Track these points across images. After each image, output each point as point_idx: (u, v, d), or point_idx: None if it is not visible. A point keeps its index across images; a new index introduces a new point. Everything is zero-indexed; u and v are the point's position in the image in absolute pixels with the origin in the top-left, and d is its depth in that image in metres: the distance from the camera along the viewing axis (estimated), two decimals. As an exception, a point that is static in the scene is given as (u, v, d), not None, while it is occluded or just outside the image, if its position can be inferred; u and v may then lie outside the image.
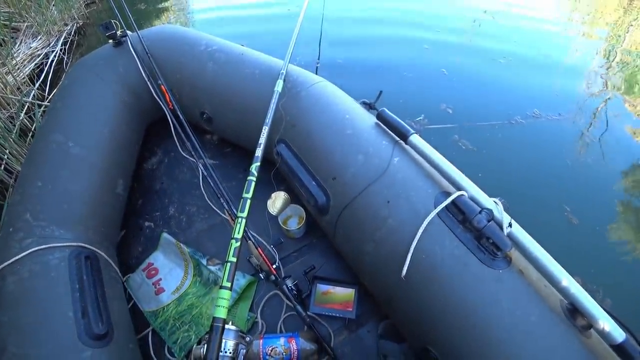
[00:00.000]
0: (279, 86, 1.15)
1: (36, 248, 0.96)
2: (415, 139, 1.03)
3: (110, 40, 1.40)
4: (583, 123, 2.18)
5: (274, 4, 3.66)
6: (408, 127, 1.06)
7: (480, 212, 0.85)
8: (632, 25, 4.51)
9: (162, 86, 1.32)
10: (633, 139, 2.14)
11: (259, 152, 0.97)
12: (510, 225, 0.84)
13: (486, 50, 2.94)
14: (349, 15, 3.38)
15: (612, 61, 3.26)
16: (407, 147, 1.07)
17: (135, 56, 1.34)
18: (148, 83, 1.33)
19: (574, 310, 0.78)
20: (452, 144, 1.85)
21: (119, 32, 1.39)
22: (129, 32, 1.41)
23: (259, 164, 0.95)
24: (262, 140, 1.00)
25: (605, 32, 4.22)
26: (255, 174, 0.92)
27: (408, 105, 2.08)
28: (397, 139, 1.09)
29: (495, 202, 0.89)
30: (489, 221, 0.84)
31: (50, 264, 0.96)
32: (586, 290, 0.77)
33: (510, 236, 0.84)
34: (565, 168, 1.83)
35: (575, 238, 1.51)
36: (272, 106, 1.09)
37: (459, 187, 0.93)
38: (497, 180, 1.69)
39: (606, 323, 0.72)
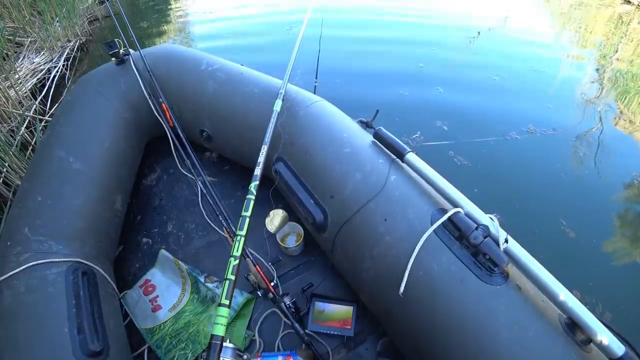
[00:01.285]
0: (277, 106, 1.17)
1: (33, 263, 0.96)
2: (412, 157, 1.05)
3: (113, 59, 1.43)
4: (577, 138, 2.22)
5: (274, 24, 3.75)
6: (404, 146, 1.08)
7: (476, 229, 0.86)
8: (622, 38, 4.61)
9: (163, 104, 1.34)
10: (626, 152, 2.18)
11: (257, 171, 0.98)
12: (506, 241, 0.85)
13: (480, 67, 3.01)
14: (346, 35, 3.46)
15: (605, 76, 3.33)
16: (403, 165, 1.08)
17: (137, 74, 1.36)
18: (149, 101, 1.35)
19: (572, 325, 0.78)
20: (447, 160, 1.88)
21: (121, 51, 1.42)
22: (131, 51, 1.44)
23: (257, 182, 0.96)
24: (261, 159, 1.01)
25: (597, 46, 4.32)
26: (255, 192, 0.93)
27: (404, 122, 2.12)
28: (394, 157, 1.10)
29: (491, 218, 0.90)
30: (485, 237, 0.84)
31: (48, 279, 0.96)
32: (584, 304, 0.77)
33: (506, 252, 0.85)
34: (560, 182, 1.86)
35: (572, 251, 1.53)
36: (271, 126, 1.11)
37: (455, 204, 0.94)
38: (493, 196, 1.71)
39: (605, 337, 0.73)
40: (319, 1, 3.98)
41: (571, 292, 0.79)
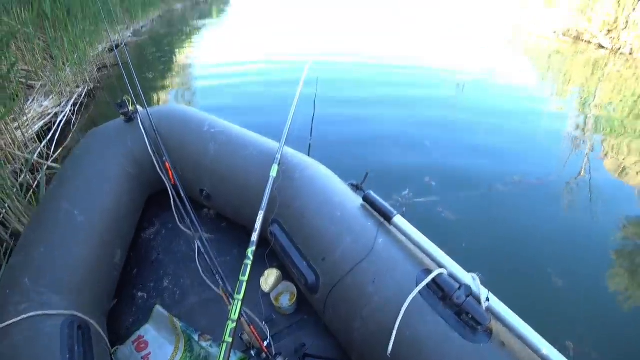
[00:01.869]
0: (274, 171, 1.24)
1: (31, 314, 0.98)
2: (399, 219, 1.11)
3: (122, 116, 1.52)
4: (562, 186, 2.32)
5: (273, 82, 3.95)
6: (391, 209, 1.14)
7: (459, 288, 0.90)
8: (600, 82, 4.90)
9: (167, 162, 1.41)
10: (610, 198, 2.26)
11: (254, 237, 1.03)
12: (487, 299, 0.88)
13: (465, 121, 3.18)
14: (339, 94, 3.67)
15: (586, 122, 3.50)
16: (391, 227, 1.15)
17: (143, 133, 1.44)
18: (153, 158, 1.42)
19: None
20: (436, 216, 1.93)
21: (130, 108, 1.50)
22: (139, 108, 1.53)
23: (254, 248, 1.00)
24: (258, 225, 1.07)
25: (576, 93, 4.59)
26: (252, 257, 0.98)
27: (394, 179, 2.19)
28: (382, 220, 1.17)
29: (473, 277, 0.94)
30: (467, 296, 0.88)
31: (43, 332, 0.97)
32: (574, 354, 0.79)
33: (489, 309, 0.88)
34: (547, 231, 1.92)
35: (561, 301, 1.55)
36: (268, 191, 1.17)
37: (439, 264, 0.99)
38: (481, 249, 1.75)
39: None
40: (316, 56, 4.23)
41: (562, 342, 0.81)
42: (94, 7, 3.60)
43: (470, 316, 0.87)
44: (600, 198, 2.24)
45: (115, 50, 1.82)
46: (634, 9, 9.33)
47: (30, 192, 2.04)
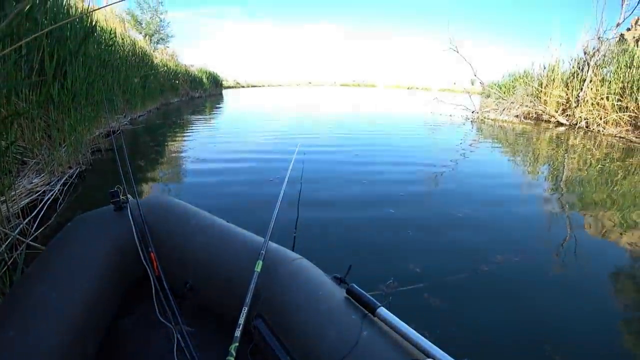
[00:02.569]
0: (258, 267, 1.27)
1: None
2: (383, 311, 1.12)
3: (112, 204, 1.55)
4: (545, 260, 2.38)
5: (259, 171, 4.19)
6: (375, 301, 1.16)
7: None
8: (566, 153, 5.28)
9: (152, 253, 1.42)
10: (593, 272, 2.31)
11: (237, 333, 1.02)
12: None
13: (445, 205, 3.35)
14: (325, 181, 3.90)
15: (561, 191, 3.79)
16: (375, 319, 1.15)
17: (132, 223, 1.47)
18: (139, 248, 1.43)
19: None
20: (423, 303, 1.92)
21: (121, 197, 1.55)
22: (130, 198, 1.58)
23: (237, 344, 0.99)
24: (241, 321, 1.06)
25: (546, 166, 5.10)
26: (234, 354, 0.96)
27: (378, 269, 2.20)
28: (366, 312, 1.18)
29: None
30: None
31: None
32: None
33: None
34: (537, 309, 1.91)
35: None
36: (252, 287, 1.19)
37: (427, 354, 0.98)
38: (471, 334, 1.72)
39: None
40: (302, 154, 4.53)
41: None
42: (98, 95, 3.88)
43: None
44: (590, 267, 2.31)
45: (112, 136, 1.94)
46: (582, 89, 10.67)
47: (4, 268, 1.97)
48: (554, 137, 7.14)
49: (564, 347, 1.66)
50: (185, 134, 6.80)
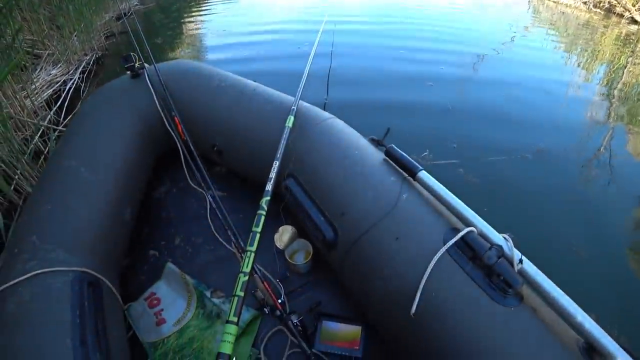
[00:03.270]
0: (290, 122, 1.18)
1: (39, 271, 0.95)
2: (424, 175, 1.04)
3: (128, 72, 1.46)
4: (587, 158, 2.20)
5: (285, 42, 3.82)
6: (416, 164, 1.08)
7: (490, 249, 0.84)
8: (630, 57, 4.64)
9: (176, 118, 1.35)
10: (636, 173, 2.15)
11: (269, 187, 0.98)
12: (521, 261, 0.83)
13: (489, 86, 3.04)
14: (356, 53, 3.52)
15: (614, 94, 3.33)
16: (415, 183, 1.08)
17: (151, 88, 1.39)
18: (162, 114, 1.37)
19: (590, 349, 0.75)
20: (457, 179, 1.86)
21: (136, 65, 1.44)
22: (146, 65, 1.47)
23: (269, 198, 0.95)
24: (273, 175, 1.01)
25: (605, 67, 4.37)
26: (266, 208, 0.93)
27: (413, 141, 2.12)
28: (406, 175, 1.10)
29: (505, 238, 0.89)
30: (499, 257, 0.83)
31: (53, 288, 0.95)
32: (600, 327, 0.74)
33: (521, 273, 0.83)
34: (572, 202, 1.83)
35: (584, 273, 1.49)
36: (283, 141, 1.11)
37: (468, 223, 0.93)
38: (502, 215, 1.68)
39: None
40: (332, 13, 4.07)
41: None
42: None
43: (502, 278, 0.81)
44: (626, 173, 2.13)
45: (124, 18, 1.75)
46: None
47: (42, 157, 2.03)
48: (622, 36, 5.98)
49: (590, 244, 1.60)
50: (202, 9, 6.24)
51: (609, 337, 0.73)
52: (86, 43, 3.32)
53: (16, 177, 1.74)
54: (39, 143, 2.10)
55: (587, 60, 4.65)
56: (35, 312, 0.89)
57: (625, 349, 0.72)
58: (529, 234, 1.61)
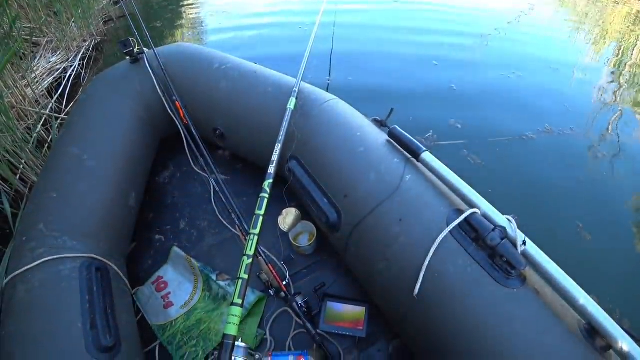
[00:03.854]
0: (291, 104, 1.16)
1: (48, 258, 0.97)
2: (427, 156, 1.03)
3: (128, 57, 1.44)
4: (595, 138, 2.16)
5: (286, 23, 3.74)
6: (420, 145, 1.06)
7: (493, 230, 0.84)
8: None
9: (177, 102, 1.34)
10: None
11: (271, 169, 0.97)
12: (524, 243, 0.83)
13: (495, 65, 2.95)
14: (358, 34, 3.43)
15: (622, 74, 3.24)
16: (419, 164, 1.07)
17: (151, 72, 1.37)
18: (163, 99, 1.36)
19: (592, 331, 0.76)
20: (461, 159, 1.84)
21: (136, 49, 1.42)
22: (145, 50, 1.45)
23: (271, 181, 0.95)
24: (275, 157, 1.01)
25: (614, 45, 4.22)
26: (268, 190, 0.92)
27: (417, 121, 2.09)
28: (409, 156, 1.09)
29: (509, 220, 0.88)
30: (502, 239, 0.83)
31: (61, 275, 0.96)
32: (603, 309, 0.75)
33: (524, 254, 0.83)
34: (577, 184, 1.81)
35: (588, 255, 1.48)
36: (285, 123, 1.10)
37: (471, 205, 0.93)
38: (507, 196, 1.67)
39: (626, 344, 0.70)
40: None
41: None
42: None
43: (505, 259, 0.81)
44: (633, 155, 2.10)
45: (122, 1, 1.72)
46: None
47: (46, 146, 2.03)
48: (633, 14, 5.71)
49: (595, 226, 1.58)
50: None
51: (611, 320, 0.73)
52: (84, 29, 3.28)
53: (21, 166, 1.75)
54: (42, 132, 2.10)
55: (595, 39, 4.50)
56: (45, 299, 0.91)
57: (627, 332, 0.72)
58: (533, 215, 1.60)
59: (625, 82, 3.07)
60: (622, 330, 0.72)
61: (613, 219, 1.65)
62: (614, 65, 3.51)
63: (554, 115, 2.29)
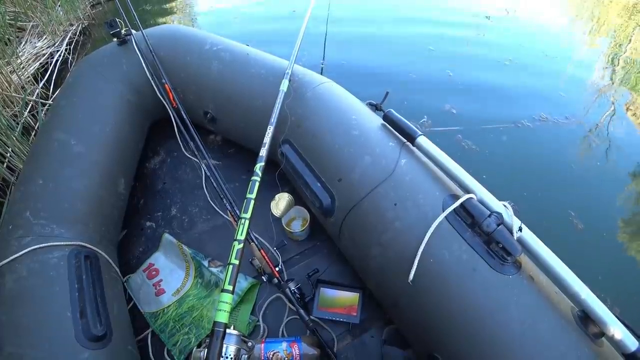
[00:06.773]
0: (284, 86, 1.13)
1: (35, 246, 0.95)
2: (423, 140, 1.02)
3: (115, 39, 1.39)
4: (590, 127, 2.15)
5: (279, 4, 3.67)
6: (415, 129, 1.05)
7: (489, 216, 0.83)
8: (637, 27, 4.47)
9: (166, 85, 1.30)
10: (637, 143, 2.11)
11: (263, 152, 0.95)
12: (520, 229, 0.82)
13: (491, 52, 2.92)
14: (353, 17, 3.38)
15: (617, 64, 3.23)
16: (414, 148, 1.05)
17: (139, 54, 1.33)
18: (152, 82, 1.32)
19: (585, 318, 0.76)
20: (455, 145, 1.84)
21: (123, 31, 1.37)
22: (133, 31, 1.40)
23: (263, 164, 0.92)
24: (267, 140, 0.98)
25: (610, 35, 4.21)
26: (260, 174, 0.90)
27: (412, 106, 2.07)
28: (404, 140, 1.07)
29: (505, 206, 0.87)
30: (498, 225, 0.82)
31: (50, 263, 0.94)
32: (596, 296, 0.75)
33: (520, 241, 0.82)
34: (571, 172, 1.81)
35: (581, 244, 1.49)
36: (278, 106, 1.07)
37: (467, 190, 0.92)
38: (501, 183, 1.67)
39: (619, 331, 0.71)
40: None
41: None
42: None
43: (500, 246, 0.80)
44: (627, 144, 2.10)
45: None
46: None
47: (33, 133, 1.99)
48: (631, 5, 5.66)
49: (588, 215, 1.59)
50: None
51: (604, 307, 0.73)
52: (71, 12, 3.18)
53: (8, 154, 1.71)
54: (29, 118, 2.05)
55: (592, 28, 4.49)
56: (33, 288, 0.90)
57: (620, 320, 0.73)
58: (528, 202, 1.60)
59: (621, 72, 3.06)
60: (615, 318, 0.72)
61: (605, 208, 1.66)
62: (610, 55, 3.51)
63: (549, 104, 2.28)
